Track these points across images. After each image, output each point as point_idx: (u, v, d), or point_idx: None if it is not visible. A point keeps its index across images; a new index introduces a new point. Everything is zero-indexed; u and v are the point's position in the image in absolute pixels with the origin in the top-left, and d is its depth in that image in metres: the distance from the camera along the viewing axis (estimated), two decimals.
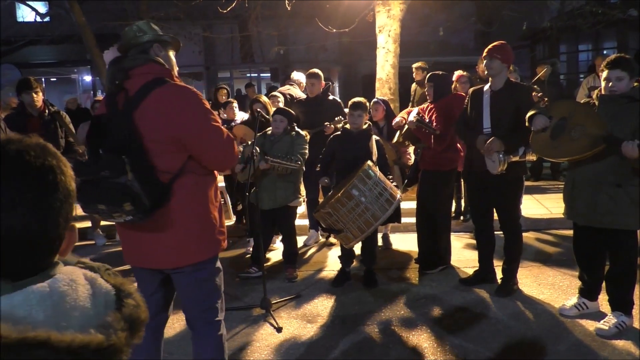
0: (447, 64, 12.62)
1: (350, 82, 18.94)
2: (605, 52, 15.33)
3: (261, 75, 20.10)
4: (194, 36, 11.75)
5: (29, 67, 14.09)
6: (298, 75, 7.20)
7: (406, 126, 4.80)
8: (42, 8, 10.79)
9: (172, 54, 2.44)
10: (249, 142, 4.85)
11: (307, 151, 4.66)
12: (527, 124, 3.60)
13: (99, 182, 2.07)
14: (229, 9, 7.52)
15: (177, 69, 2.48)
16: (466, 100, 4.26)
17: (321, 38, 14.02)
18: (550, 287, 4.28)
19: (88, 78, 18.21)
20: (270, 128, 4.78)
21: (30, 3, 10.43)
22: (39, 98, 5.04)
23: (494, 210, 4.24)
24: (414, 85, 8.18)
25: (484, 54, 4.02)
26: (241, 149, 4.74)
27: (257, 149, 4.49)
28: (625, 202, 3.27)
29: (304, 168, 4.71)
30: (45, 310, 0.84)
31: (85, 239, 6.15)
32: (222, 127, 2.33)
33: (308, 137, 4.95)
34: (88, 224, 6.25)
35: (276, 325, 3.76)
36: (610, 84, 3.29)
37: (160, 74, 2.27)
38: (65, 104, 8.15)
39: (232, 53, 18.04)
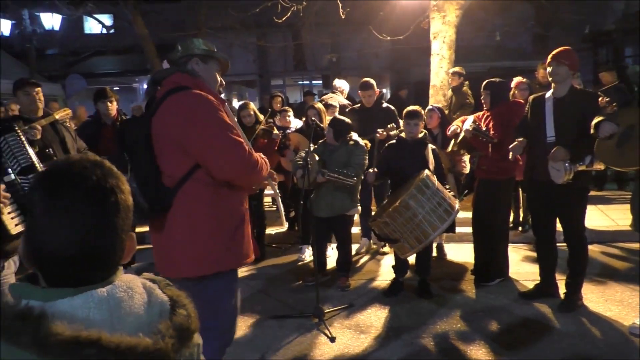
0: (504, 69, 12.28)
1: (402, 90, 18.74)
2: None
3: (313, 82, 20.25)
4: (248, 45, 12.00)
5: (93, 77, 14.82)
6: (340, 83, 7.20)
7: (462, 134, 4.68)
8: (107, 21, 11.32)
9: (215, 67, 2.47)
10: (307, 150, 4.88)
11: (366, 162, 4.64)
12: (592, 131, 3.43)
13: None
14: (284, 18, 7.61)
15: (223, 82, 2.52)
16: (526, 108, 4.11)
17: (373, 45, 13.98)
18: (618, 303, 4.05)
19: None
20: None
21: (97, 16, 10.97)
22: (113, 107, 5.26)
23: (557, 221, 4.06)
24: (449, 92, 7.76)
25: (549, 59, 3.87)
26: (303, 154, 4.79)
27: (316, 157, 4.53)
28: None
29: (362, 177, 4.70)
30: (101, 313, 0.90)
31: None
32: (240, 140, 2.26)
33: (369, 146, 4.93)
34: None
35: (330, 335, 3.74)
36: None
37: (186, 82, 2.30)
38: (132, 111, 8.51)
39: (285, 61, 18.28)
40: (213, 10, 11.14)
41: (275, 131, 5.46)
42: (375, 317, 4.08)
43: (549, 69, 3.86)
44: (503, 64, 14.63)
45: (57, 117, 3.79)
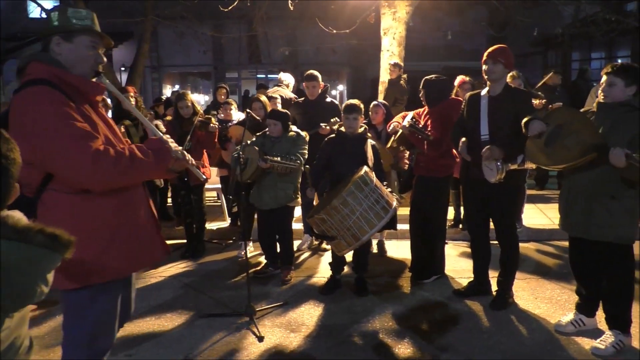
0: (459, 69, 12.43)
1: (359, 85, 18.80)
2: (618, 60, 15.06)
3: (269, 76, 20.03)
4: (200, 35, 11.68)
5: None
6: (285, 76, 7.09)
7: (400, 131, 4.65)
8: (49, 4, 10.79)
9: (85, 43, 2.10)
10: (244, 143, 4.76)
11: (306, 152, 4.64)
12: (523, 129, 3.44)
13: None
14: (230, 7, 7.43)
15: (102, 59, 2.16)
16: (463, 106, 4.10)
17: (330, 40, 13.88)
18: (547, 301, 4.11)
19: None
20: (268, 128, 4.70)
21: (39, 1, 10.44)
22: None
23: (490, 219, 4.08)
24: (384, 84, 7.64)
25: (485, 57, 3.86)
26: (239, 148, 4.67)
27: (256, 148, 4.43)
28: (620, 214, 3.11)
29: (302, 168, 4.69)
30: None
31: None
32: (84, 139, 1.93)
33: (307, 137, 4.87)
34: None
35: (258, 334, 3.63)
36: (600, 89, 3.16)
37: (39, 74, 2.01)
38: None
39: (240, 53, 17.99)
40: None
41: (214, 123, 5.28)
42: (308, 315, 3.99)
43: (484, 67, 3.85)
44: (457, 64, 14.87)
45: None
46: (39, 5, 10.20)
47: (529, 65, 17.08)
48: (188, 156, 2.29)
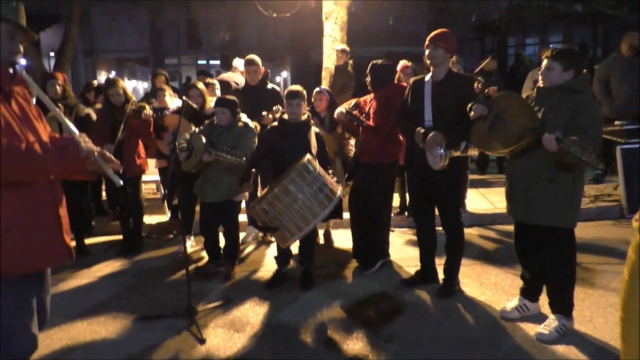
0: (400, 54, 12.46)
1: (303, 71, 18.59)
2: (551, 45, 15.62)
3: (210, 62, 19.44)
4: (134, 18, 11.09)
5: None
6: (239, 62, 6.84)
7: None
8: None
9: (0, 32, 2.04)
10: (194, 131, 4.52)
11: (255, 144, 4.41)
12: (468, 114, 3.41)
13: None
14: None
15: (17, 49, 2.10)
16: (407, 91, 4.02)
17: (272, 25, 13.59)
18: (492, 287, 4.13)
19: (24, 62, 17.10)
20: (215, 117, 4.48)
21: None
22: None
23: (435, 206, 4.05)
24: (331, 70, 7.48)
25: (427, 42, 3.79)
26: (187, 136, 4.41)
27: (203, 138, 4.19)
28: (559, 199, 3.14)
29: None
30: None
31: None
32: None
33: (258, 128, 4.66)
34: None
35: (200, 337, 3.43)
36: (540, 72, 3.21)
37: None
38: None
39: (179, 38, 17.33)
40: None
41: (147, 111, 4.96)
42: (253, 313, 3.83)
43: (427, 52, 3.78)
44: (398, 49, 14.94)
45: None
46: None
47: (466, 51, 17.44)
48: (110, 157, 2.20)
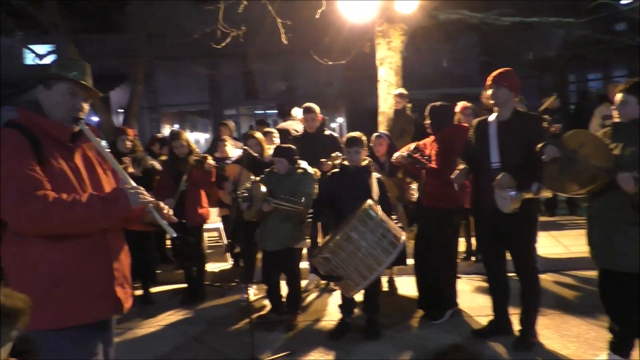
0: (453, 96, 12.37)
1: (358, 116, 18.72)
2: (616, 79, 15.03)
3: (267, 112, 19.98)
4: (196, 74, 11.63)
5: None
6: (297, 111, 6.96)
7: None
8: (42, 50, 10.78)
9: (62, 90, 2.13)
10: (254, 180, 4.57)
11: (315, 190, 4.39)
12: (539, 155, 3.24)
13: None
14: (223, 44, 7.33)
15: (80, 106, 2.17)
16: (470, 132, 3.91)
17: (325, 73, 13.87)
18: (575, 339, 3.81)
19: (94, 118, 18.24)
20: (274, 166, 4.54)
21: (32, 47, 10.42)
22: None
23: (506, 252, 3.83)
24: (389, 114, 7.42)
25: (488, 81, 3.70)
26: (248, 185, 4.46)
27: (262, 187, 4.23)
28: None
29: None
30: None
31: None
32: (12, 182, 1.94)
33: (318, 174, 4.66)
34: None
35: None
36: (614, 108, 3.06)
37: (19, 118, 2.13)
38: None
39: (236, 90, 17.98)
40: (156, 40, 10.77)
41: (210, 161, 5.08)
42: None
43: (489, 92, 3.68)
44: (451, 91, 14.82)
45: None
46: (32, 51, 10.17)
47: (524, 90, 17.05)
48: (166, 209, 2.20)
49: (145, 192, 2.13)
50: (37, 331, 2.03)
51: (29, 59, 14.20)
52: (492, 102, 3.72)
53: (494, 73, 3.69)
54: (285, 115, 10.74)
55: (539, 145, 3.25)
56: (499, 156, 3.60)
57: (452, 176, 3.69)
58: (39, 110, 2.15)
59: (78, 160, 2.18)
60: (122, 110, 14.31)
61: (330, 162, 5.05)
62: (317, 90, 16.80)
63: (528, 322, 3.71)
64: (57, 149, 2.11)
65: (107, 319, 2.23)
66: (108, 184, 2.27)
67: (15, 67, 13.72)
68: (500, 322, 3.92)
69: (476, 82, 16.64)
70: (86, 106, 2.23)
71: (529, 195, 3.51)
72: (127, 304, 2.26)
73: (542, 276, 5.04)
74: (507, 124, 3.63)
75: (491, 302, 4.00)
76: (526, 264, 3.70)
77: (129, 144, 5.31)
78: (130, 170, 5.07)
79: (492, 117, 3.75)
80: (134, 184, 2.17)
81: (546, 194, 3.61)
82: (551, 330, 3.97)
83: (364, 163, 4.25)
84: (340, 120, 20.58)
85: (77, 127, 2.17)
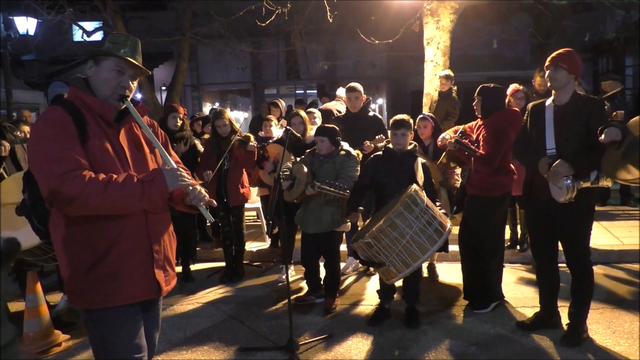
0: (502, 79, 11.93)
1: (399, 98, 18.40)
2: None
3: (308, 92, 19.88)
4: (239, 53, 11.63)
5: None
6: (341, 91, 6.84)
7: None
8: (90, 26, 10.97)
9: (109, 67, 2.10)
10: (295, 161, 4.51)
11: (357, 173, 4.29)
12: (600, 137, 3.03)
13: None
14: (267, 22, 7.25)
15: (126, 83, 2.11)
16: (525, 117, 3.70)
17: (369, 53, 13.64)
18: (627, 336, 3.61)
19: (138, 96, 18.58)
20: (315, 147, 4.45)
21: (81, 23, 10.62)
22: None
23: (559, 243, 3.64)
24: (435, 96, 7.23)
25: (547, 63, 3.47)
26: (290, 164, 4.41)
27: (305, 168, 4.17)
28: None
29: None
30: None
31: None
32: (54, 161, 1.91)
33: (360, 156, 4.56)
34: None
35: None
36: None
37: (68, 95, 2.14)
38: None
39: (278, 70, 17.93)
40: (200, 18, 10.80)
41: (252, 142, 5.05)
42: (357, 351, 3.64)
43: (546, 74, 3.46)
44: (500, 74, 14.32)
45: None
46: (81, 28, 10.36)
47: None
48: (202, 194, 2.12)
49: (185, 174, 2.06)
50: (81, 310, 2.09)
51: (78, 35, 14.53)
52: (549, 84, 3.50)
53: (554, 54, 3.46)
54: (324, 95, 10.64)
55: (600, 128, 3.04)
56: (555, 142, 3.39)
57: (539, 168, 3.44)
58: (87, 86, 2.12)
59: (122, 139, 2.14)
60: (165, 88, 14.52)
61: (372, 145, 4.93)
62: (358, 71, 16.57)
63: (578, 316, 3.53)
64: (102, 127, 2.08)
65: (149, 300, 2.20)
66: (154, 164, 2.22)
67: (65, 43, 14.04)
68: (547, 314, 3.75)
69: (526, 64, 16.00)
70: (134, 84, 2.17)
71: (586, 185, 3.31)
72: (168, 286, 2.23)
73: (593, 268, 4.84)
74: (565, 109, 3.41)
75: (538, 294, 3.84)
76: (580, 257, 3.51)
77: (179, 122, 5.32)
78: (180, 149, 5.09)
79: (548, 101, 3.54)
80: (174, 165, 2.11)
81: (606, 183, 3.36)
82: (602, 325, 3.78)
83: (410, 147, 4.11)
84: (381, 101, 20.29)
85: (122, 105, 2.12)
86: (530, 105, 3.73)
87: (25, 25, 10.51)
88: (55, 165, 1.90)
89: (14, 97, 10.33)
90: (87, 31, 10.31)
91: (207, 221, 6.56)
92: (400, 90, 18.55)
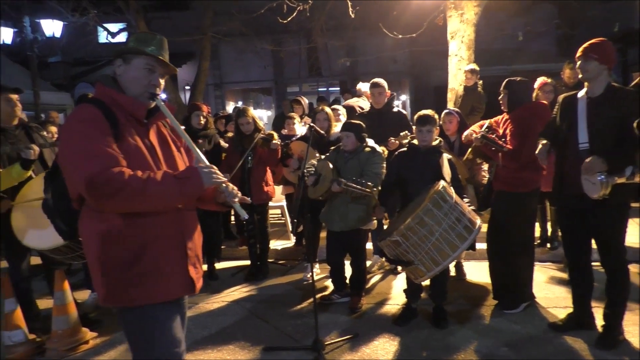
0: (527, 72, 11.67)
1: (422, 94, 18.19)
2: None
3: (330, 89, 19.80)
4: (260, 50, 11.63)
5: None
6: (362, 86, 6.77)
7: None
8: (115, 28, 11.11)
9: (140, 65, 2.10)
10: (320, 158, 4.47)
11: (383, 170, 4.21)
12: (635, 133, 2.91)
13: None
14: (288, 19, 7.22)
15: (156, 81, 2.12)
16: (555, 109, 3.58)
17: (390, 48, 13.51)
18: None
19: (162, 95, 18.74)
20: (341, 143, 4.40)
21: (105, 25, 10.76)
22: None
23: (592, 241, 3.52)
24: (460, 90, 7.11)
25: (578, 54, 3.35)
26: (315, 162, 4.38)
27: (330, 165, 4.13)
28: None
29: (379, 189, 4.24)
30: None
31: None
32: (89, 159, 1.88)
33: (386, 153, 4.49)
34: None
35: None
36: None
37: (97, 93, 2.13)
38: None
39: (299, 67, 17.91)
40: (221, 17, 10.82)
41: (276, 140, 5.02)
42: (383, 351, 3.58)
43: (577, 65, 3.33)
44: (526, 67, 14.00)
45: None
46: (106, 29, 10.49)
47: None
48: (235, 191, 2.12)
49: (218, 172, 2.06)
50: (118, 308, 2.08)
51: (102, 37, 14.73)
52: (580, 76, 3.38)
53: (586, 44, 3.34)
54: (347, 92, 10.57)
55: (636, 121, 2.92)
56: (588, 136, 3.27)
57: (537, 153, 3.39)
58: (115, 85, 2.12)
59: (153, 137, 2.15)
60: (189, 88, 14.62)
61: (397, 142, 4.85)
62: (380, 67, 16.42)
63: (614, 317, 3.41)
64: (133, 126, 2.08)
65: (179, 297, 2.21)
66: (182, 162, 2.23)
67: (89, 45, 14.25)
68: (581, 315, 3.64)
69: (552, 57, 15.61)
70: (162, 82, 2.19)
71: (620, 180, 3.17)
72: (199, 283, 2.23)
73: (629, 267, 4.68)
74: (599, 101, 3.28)
75: (571, 294, 3.72)
76: (615, 255, 3.39)
77: (202, 120, 5.33)
78: (205, 147, 5.11)
79: (581, 93, 3.42)
80: (208, 163, 2.11)
81: None
82: (638, 327, 3.64)
83: (435, 143, 4.03)
84: (404, 97, 20.10)
85: (153, 103, 2.13)
86: (561, 97, 3.61)
87: (52, 27, 10.72)
88: (94, 161, 1.88)
89: (41, 99, 10.54)
90: (111, 32, 10.45)
91: (233, 219, 6.59)
92: (422, 86, 18.33)
